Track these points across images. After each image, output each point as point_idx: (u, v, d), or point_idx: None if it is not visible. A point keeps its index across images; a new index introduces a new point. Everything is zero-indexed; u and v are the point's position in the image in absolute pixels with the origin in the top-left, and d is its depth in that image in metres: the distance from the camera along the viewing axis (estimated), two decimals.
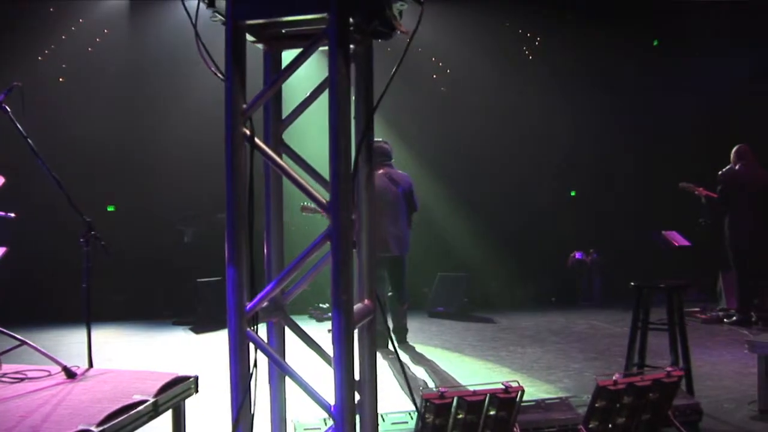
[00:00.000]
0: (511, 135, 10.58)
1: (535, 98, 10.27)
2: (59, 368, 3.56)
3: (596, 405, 3.43)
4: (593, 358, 5.98)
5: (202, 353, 6.63)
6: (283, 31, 2.30)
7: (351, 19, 2.07)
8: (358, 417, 2.32)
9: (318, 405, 2.03)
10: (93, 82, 9.37)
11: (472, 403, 3.21)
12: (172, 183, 9.61)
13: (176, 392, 3.36)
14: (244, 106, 2.08)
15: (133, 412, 2.91)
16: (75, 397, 3.17)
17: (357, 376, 2.30)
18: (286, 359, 2.27)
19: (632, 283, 4.60)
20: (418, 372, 5.65)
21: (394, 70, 2.25)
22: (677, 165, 9.32)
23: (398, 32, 2.16)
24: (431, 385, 5.19)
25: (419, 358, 6.14)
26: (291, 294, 2.32)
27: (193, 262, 8.90)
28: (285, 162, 2.22)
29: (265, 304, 2.20)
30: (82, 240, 3.76)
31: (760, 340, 4.46)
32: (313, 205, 6.80)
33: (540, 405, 3.86)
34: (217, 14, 2.19)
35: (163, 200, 9.77)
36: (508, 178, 10.69)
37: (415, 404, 2.43)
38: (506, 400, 3.25)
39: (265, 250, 2.34)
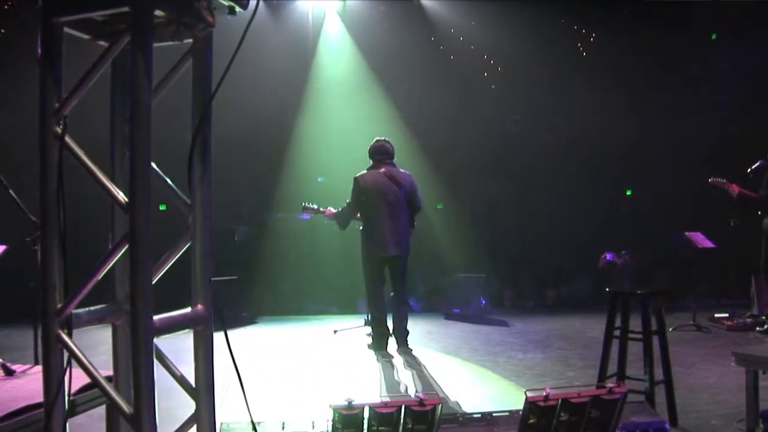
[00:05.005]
0: (562, 133, 10.26)
1: (589, 96, 9.89)
2: None
3: (529, 421, 3.18)
4: (592, 366, 5.56)
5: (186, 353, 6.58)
6: (124, 26, 2.22)
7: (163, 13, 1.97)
8: (195, 427, 2.23)
9: (119, 411, 1.95)
10: None
11: (383, 415, 3.04)
12: (223, 183, 9.81)
13: (99, 392, 3.34)
14: (57, 105, 2.01)
15: (37, 411, 2.90)
16: None
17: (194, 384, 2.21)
18: None
19: (607, 289, 4.29)
20: (404, 377, 5.49)
21: (228, 63, 2.14)
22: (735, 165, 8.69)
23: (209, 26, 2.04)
24: (411, 391, 5.03)
25: (412, 362, 5.95)
26: None
27: (243, 260, 9.11)
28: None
29: (93, 307, 2.13)
30: (28, 239, 3.83)
31: (749, 352, 4.02)
32: (314, 206, 6.72)
33: (485, 418, 3.64)
34: None
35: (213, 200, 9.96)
36: (557, 176, 10.38)
37: (249, 413, 2.30)
38: (421, 413, 3.06)
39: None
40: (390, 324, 6.43)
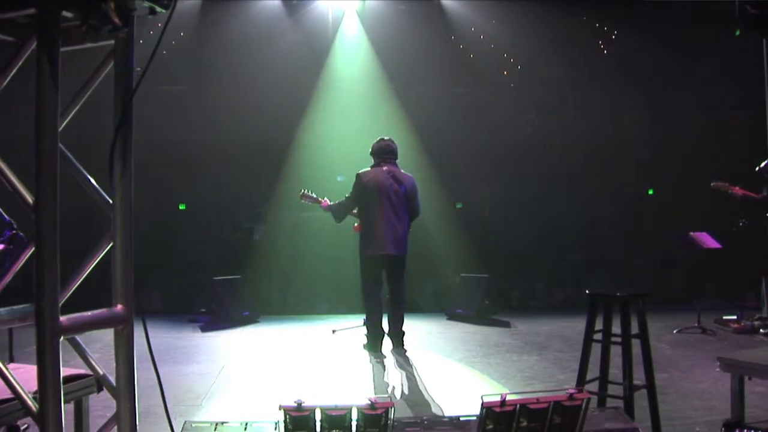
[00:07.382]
0: (582, 131, 10.09)
1: (609, 94, 9.71)
2: None
3: (487, 427, 3.11)
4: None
5: (176, 352, 6.40)
6: None
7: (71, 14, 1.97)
8: (116, 428, 2.23)
9: (26, 409, 1.96)
10: (166, 85, 9.52)
11: (334, 417, 3.01)
12: (241, 182, 9.95)
13: (65, 390, 3.37)
14: None
15: None
16: None
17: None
18: None
19: (587, 291, 4.18)
20: (392, 378, 5.45)
21: (147, 63, 2.14)
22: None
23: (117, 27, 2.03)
24: (397, 393, 4.98)
25: (403, 363, 5.90)
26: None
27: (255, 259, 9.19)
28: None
29: (15, 306, 2.15)
30: (2, 238, 3.91)
31: (734, 357, 3.87)
32: (313, 194, 6.66)
33: (452, 422, 3.55)
34: None
35: (232, 199, 10.12)
36: (575, 175, 10.22)
37: (168, 418, 2.29)
38: (373, 416, 3.02)
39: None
40: (386, 324, 6.38)
